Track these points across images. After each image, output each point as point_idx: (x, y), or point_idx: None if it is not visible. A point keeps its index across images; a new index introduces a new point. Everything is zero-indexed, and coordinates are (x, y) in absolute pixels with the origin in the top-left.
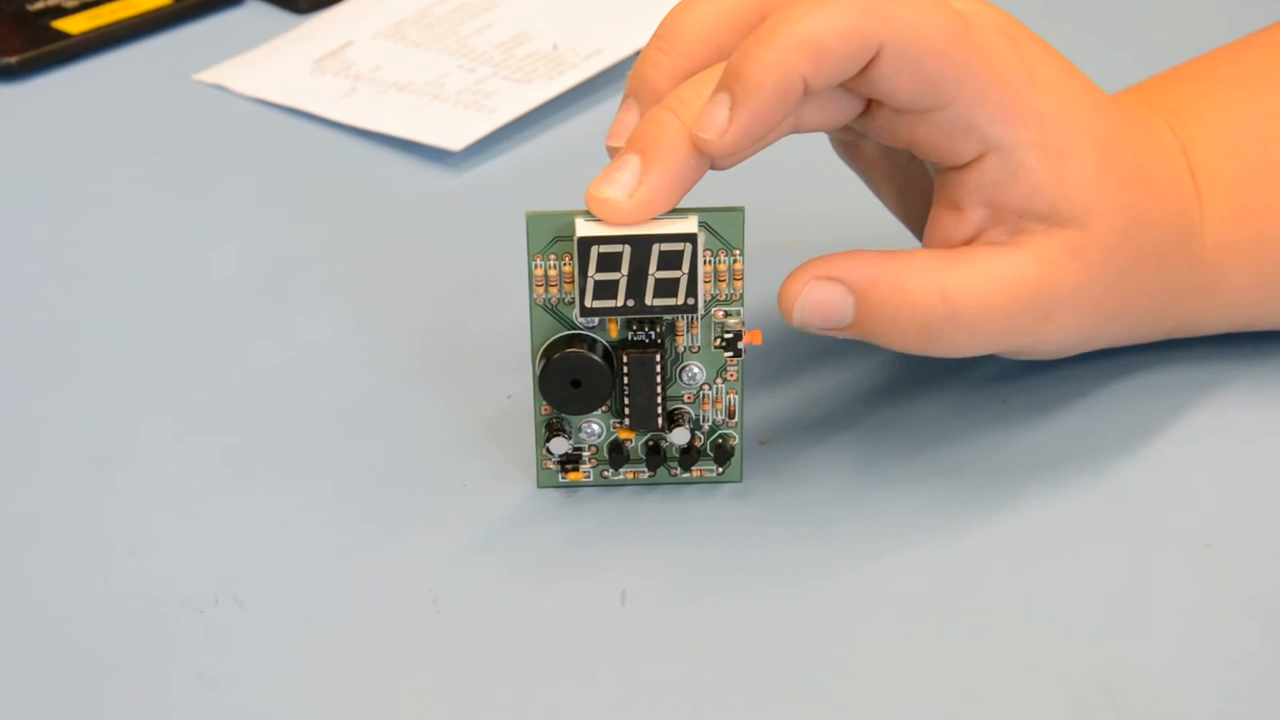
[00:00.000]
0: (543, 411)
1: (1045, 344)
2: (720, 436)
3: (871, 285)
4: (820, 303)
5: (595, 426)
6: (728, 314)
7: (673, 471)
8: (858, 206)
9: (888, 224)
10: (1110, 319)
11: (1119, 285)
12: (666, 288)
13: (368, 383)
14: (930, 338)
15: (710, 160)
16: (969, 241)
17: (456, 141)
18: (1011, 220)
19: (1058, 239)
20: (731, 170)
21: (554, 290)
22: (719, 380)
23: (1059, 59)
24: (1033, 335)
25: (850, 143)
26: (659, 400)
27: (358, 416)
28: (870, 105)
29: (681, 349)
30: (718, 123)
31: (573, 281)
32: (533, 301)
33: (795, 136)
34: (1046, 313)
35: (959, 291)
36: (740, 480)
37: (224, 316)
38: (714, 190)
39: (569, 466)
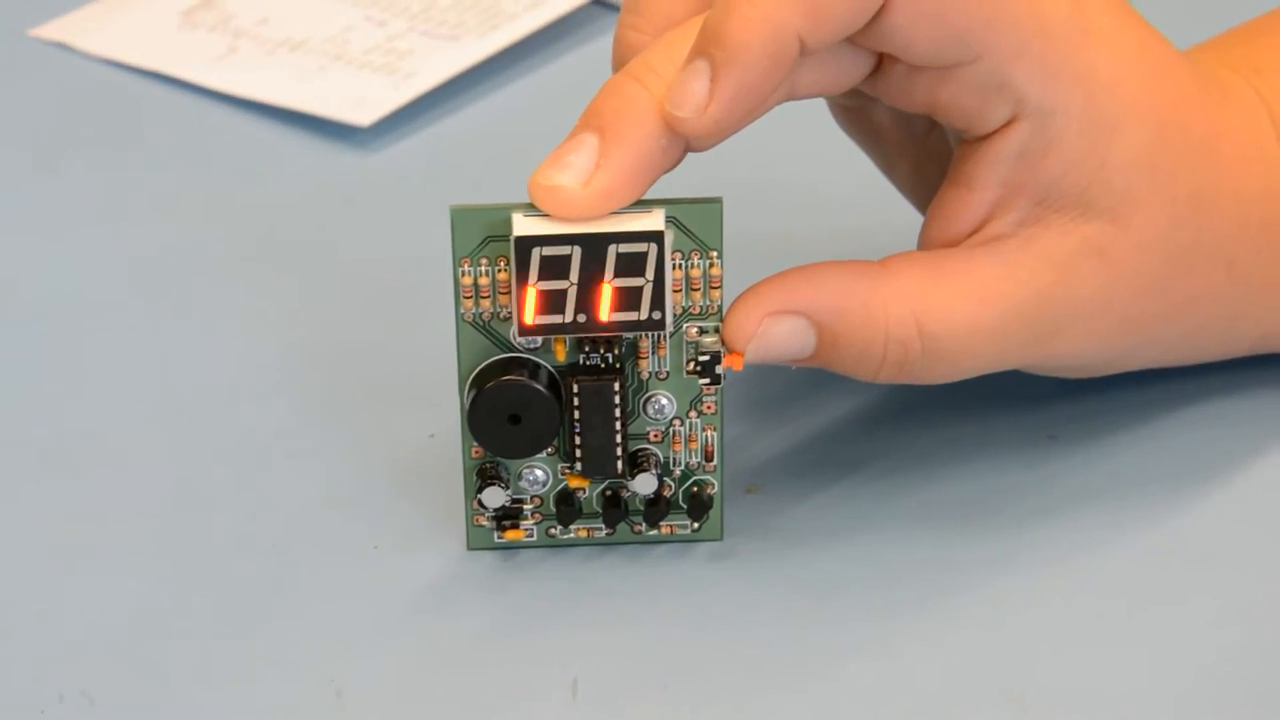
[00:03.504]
0: (473, 454)
1: (1057, 362)
2: (695, 484)
3: (836, 317)
4: (777, 340)
5: (539, 473)
6: (703, 331)
7: (636, 528)
8: (865, 188)
9: (901, 210)
10: (1145, 331)
11: (1158, 290)
12: (627, 299)
13: (252, 418)
14: (905, 373)
15: (686, 141)
16: (974, 229)
17: (364, 115)
18: (1026, 207)
19: (1077, 236)
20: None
21: (486, 303)
22: (693, 414)
23: (1118, 2)
24: (1037, 355)
25: (856, 109)
26: (618, 440)
27: (239, 462)
28: (881, 62)
29: (646, 375)
30: (695, 97)
31: (509, 292)
32: (459, 317)
33: (788, 103)
34: (1053, 328)
35: (939, 320)
36: (720, 538)
37: (69, 334)
38: (682, 173)
39: (507, 523)
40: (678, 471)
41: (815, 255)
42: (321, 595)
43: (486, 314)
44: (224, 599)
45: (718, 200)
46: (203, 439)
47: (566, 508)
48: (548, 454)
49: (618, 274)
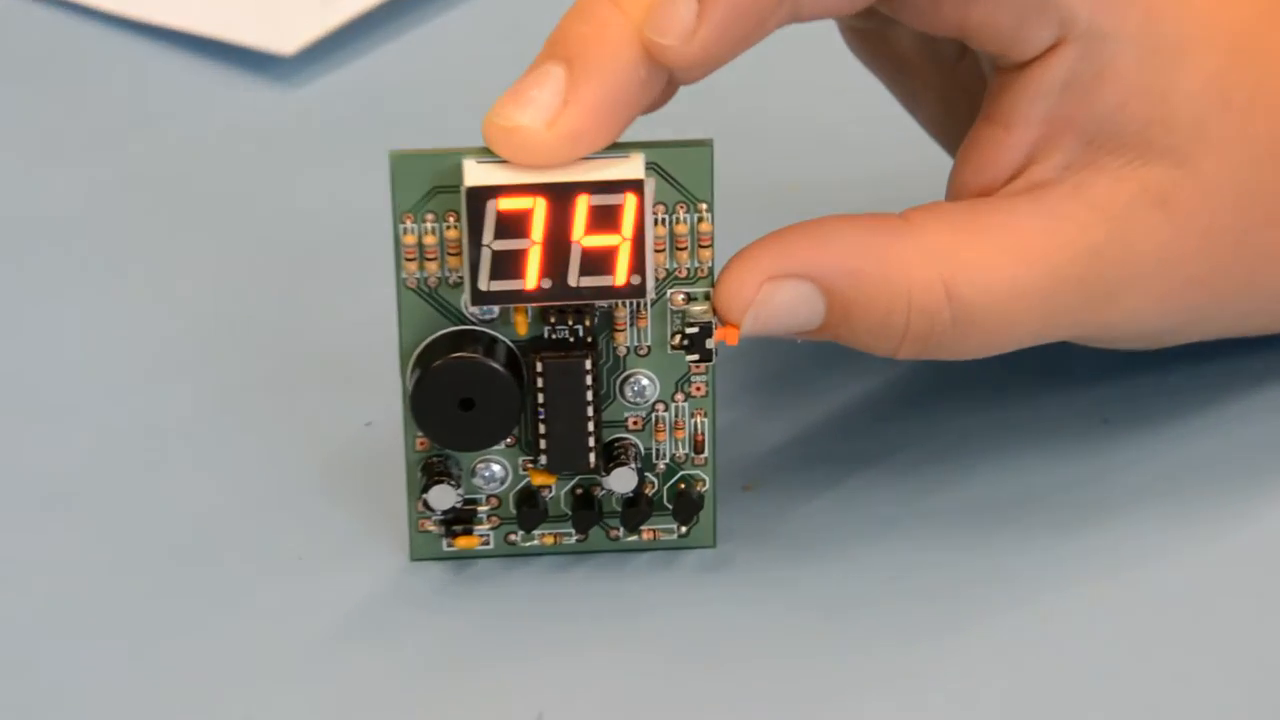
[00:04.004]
0: (418, 447)
1: (1112, 332)
2: (682, 480)
3: (849, 281)
4: (779, 310)
5: (496, 468)
6: (691, 299)
7: (613, 533)
8: (883, 127)
9: (926, 152)
10: (1217, 294)
11: (1232, 245)
12: (600, 261)
13: (151, 404)
14: (932, 347)
15: (669, 73)
16: (1013, 175)
17: (287, 42)
18: (1075, 147)
19: (1135, 182)
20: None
21: (432, 266)
22: (679, 397)
23: None
24: (1088, 324)
25: (872, 32)
26: (590, 428)
27: (134, 456)
28: None
29: (623, 351)
30: (681, 20)
31: (460, 253)
32: (401, 283)
33: (791, 26)
34: (1107, 292)
35: (972, 283)
36: (713, 545)
37: None
38: (666, 111)
39: (458, 528)
40: (661, 465)
41: (824, 208)
42: (234, 616)
43: (433, 279)
44: (115, 621)
45: (707, 143)
46: (90, 428)
47: (529, 510)
48: (506, 446)
49: (589, 230)
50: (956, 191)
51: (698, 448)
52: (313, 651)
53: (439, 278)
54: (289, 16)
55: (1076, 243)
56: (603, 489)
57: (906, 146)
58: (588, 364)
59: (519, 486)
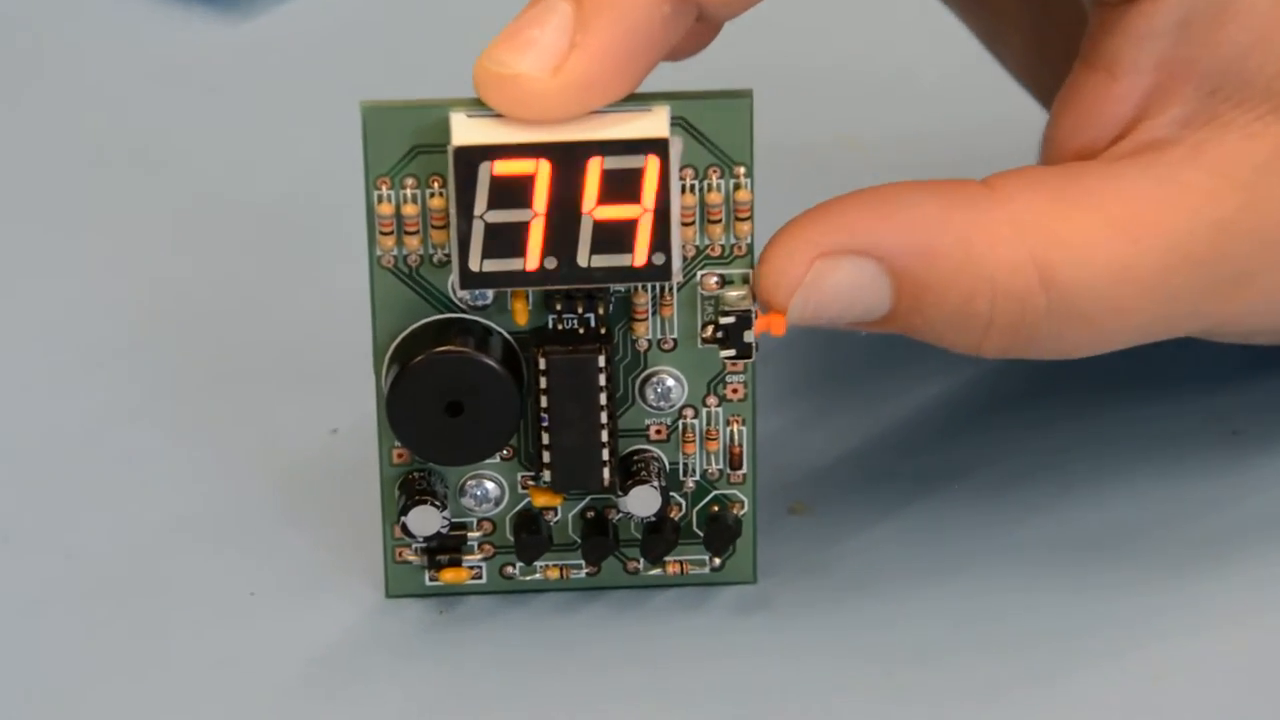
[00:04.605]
0: (395, 459)
1: (1243, 324)
2: (716, 502)
3: (921, 260)
4: (834, 293)
5: (490, 486)
6: (726, 282)
7: (631, 566)
8: (961, 75)
9: (1015, 105)
10: None
11: None
12: (615, 237)
13: (77, 406)
14: (1022, 341)
15: (698, 9)
16: (1118, 134)
17: None
18: (1195, 99)
19: (1268, 141)
20: (729, 24)
21: (413, 242)
22: (712, 400)
23: None
24: (1214, 313)
25: None
26: (604, 438)
27: (60, 472)
28: None
29: (644, 346)
30: None
31: (447, 226)
32: (375, 261)
33: None
34: (1237, 275)
35: (1071, 264)
36: (752, 580)
37: None
38: (697, 57)
39: (443, 559)
40: (690, 484)
41: (889, 173)
42: (175, 664)
43: (414, 257)
44: (33, 669)
45: (746, 94)
46: (14, 432)
47: (530, 537)
48: (502, 459)
49: (603, 200)
50: (1052, 152)
51: (734, 462)
52: (269, 707)
53: (421, 255)
54: None
55: (1198, 215)
56: (619, 512)
57: (990, 98)
58: (601, 360)
59: (517, 509)
